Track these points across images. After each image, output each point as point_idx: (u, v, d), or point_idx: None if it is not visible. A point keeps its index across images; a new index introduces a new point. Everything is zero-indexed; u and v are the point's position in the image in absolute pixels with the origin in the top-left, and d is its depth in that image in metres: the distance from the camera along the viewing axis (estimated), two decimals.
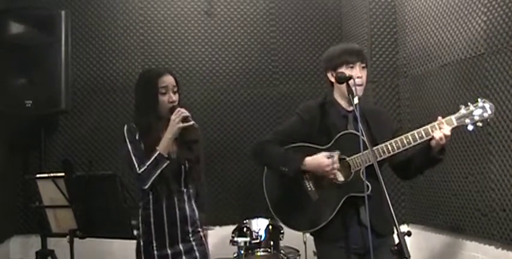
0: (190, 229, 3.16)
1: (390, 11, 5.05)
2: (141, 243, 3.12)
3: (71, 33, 4.84)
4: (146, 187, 3.01)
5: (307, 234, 3.90)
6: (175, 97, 3.13)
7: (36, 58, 4.60)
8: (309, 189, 3.13)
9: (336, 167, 3.00)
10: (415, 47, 4.72)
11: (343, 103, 3.16)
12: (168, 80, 3.13)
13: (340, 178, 3.07)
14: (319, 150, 3.08)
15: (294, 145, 3.17)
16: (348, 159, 3.05)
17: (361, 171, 2.98)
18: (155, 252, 3.09)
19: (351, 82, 2.96)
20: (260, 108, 5.47)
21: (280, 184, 3.23)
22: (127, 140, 3.08)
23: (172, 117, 3.04)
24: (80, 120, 5.18)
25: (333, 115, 3.16)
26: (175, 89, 3.15)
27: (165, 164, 3.01)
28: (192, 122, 3.05)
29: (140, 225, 3.13)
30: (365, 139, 2.85)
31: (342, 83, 3.00)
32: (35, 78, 4.60)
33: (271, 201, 3.27)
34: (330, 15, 5.64)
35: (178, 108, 3.07)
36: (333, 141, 3.07)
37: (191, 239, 3.16)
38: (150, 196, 3.11)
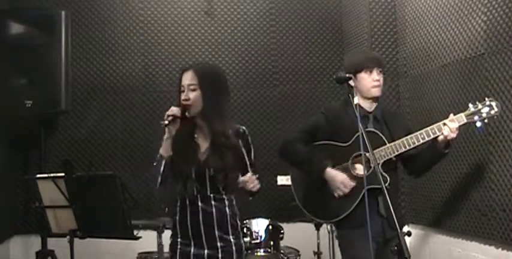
0: (217, 234, 3.03)
1: (390, 11, 5.04)
2: (171, 242, 3.09)
3: (71, 33, 4.85)
4: (157, 187, 2.99)
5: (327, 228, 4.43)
6: (189, 95, 2.97)
7: (36, 58, 4.60)
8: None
9: (347, 190, 3.35)
10: (415, 47, 4.72)
11: (363, 104, 3.43)
12: (186, 77, 3.01)
13: (361, 172, 3.35)
14: (341, 147, 3.43)
15: (318, 143, 3.49)
16: (366, 154, 3.25)
17: (379, 164, 3.28)
18: (178, 250, 3.04)
19: (352, 82, 3.24)
20: (260, 108, 5.47)
21: (306, 179, 3.51)
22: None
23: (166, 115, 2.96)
24: (80, 120, 5.19)
25: (353, 115, 3.27)
26: (192, 87, 2.98)
27: (163, 164, 2.96)
28: (165, 122, 2.92)
29: (173, 228, 3.11)
30: (366, 139, 2.96)
31: (342, 83, 3.14)
32: (35, 78, 4.61)
33: (298, 195, 3.56)
34: (330, 15, 5.63)
35: (172, 107, 2.97)
36: (353, 138, 3.36)
37: (218, 245, 3.03)
38: (178, 200, 3.07)
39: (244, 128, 3.13)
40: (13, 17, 4.68)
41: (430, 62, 4.48)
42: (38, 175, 3.30)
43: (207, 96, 2.99)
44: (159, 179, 2.98)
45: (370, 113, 3.45)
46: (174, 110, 2.93)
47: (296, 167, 3.57)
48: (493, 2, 3.71)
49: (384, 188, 2.80)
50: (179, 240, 3.05)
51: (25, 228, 5.04)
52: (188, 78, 3.01)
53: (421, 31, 4.62)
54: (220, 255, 3.03)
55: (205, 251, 3.01)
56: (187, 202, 3.03)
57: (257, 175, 3.01)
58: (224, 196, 3.09)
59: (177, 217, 3.06)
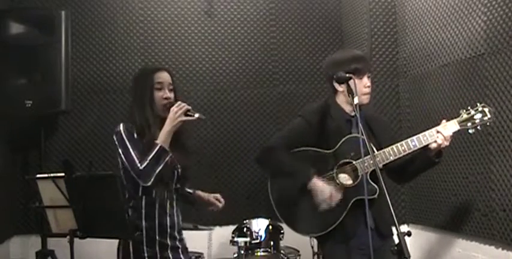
0: (178, 237, 3.12)
1: (390, 11, 5.04)
2: (130, 244, 3.06)
3: (71, 33, 4.85)
4: (149, 183, 2.92)
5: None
6: (170, 94, 3.07)
7: (36, 58, 4.60)
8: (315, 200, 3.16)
9: (333, 204, 3.08)
10: (415, 47, 4.72)
11: (346, 108, 3.23)
12: (164, 76, 3.08)
13: (348, 181, 3.15)
14: (325, 154, 3.17)
15: (299, 149, 3.23)
16: (354, 162, 3.12)
17: (367, 174, 3.05)
18: (145, 256, 3.02)
19: (350, 82, 3.01)
20: (260, 108, 5.46)
21: (287, 189, 3.25)
22: (125, 138, 3.02)
23: (174, 109, 2.94)
24: (80, 120, 5.18)
25: (337, 119, 3.22)
26: (171, 87, 3.09)
27: (168, 158, 2.93)
28: (197, 115, 2.96)
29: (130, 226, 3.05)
30: (366, 141, 2.89)
31: (342, 83, 3.05)
32: (35, 78, 4.60)
33: (278, 207, 3.31)
34: (330, 15, 5.63)
35: (179, 102, 2.99)
36: (338, 144, 3.15)
37: (179, 246, 3.12)
38: (143, 198, 3.05)
39: None
40: (13, 17, 4.67)
41: (430, 62, 4.48)
42: (38, 175, 3.29)
43: (177, 97, 3.13)
44: (155, 174, 2.92)
45: (352, 117, 3.20)
46: (186, 105, 2.98)
47: (277, 176, 3.31)
48: (493, 2, 3.72)
49: (377, 197, 2.74)
50: (145, 247, 3.02)
51: (25, 228, 5.04)
52: (167, 78, 3.09)
53: (421, 31, 4.62)
54: (182, 257, 3.11)
55: (169, 254, 3.06)
56: (157, 204, 3.04)
57: None
58: (190, 191, 3.27)
59: (143, 223, 3.04)
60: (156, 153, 2.92)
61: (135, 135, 3.03)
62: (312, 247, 4.32)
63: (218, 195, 3.36)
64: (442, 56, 4.32)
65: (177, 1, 5.41)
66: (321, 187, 3.09)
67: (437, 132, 3.03)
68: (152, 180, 2.93)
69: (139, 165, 2.94)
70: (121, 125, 3.05)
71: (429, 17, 4.50)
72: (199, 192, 3.37)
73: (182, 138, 3.11)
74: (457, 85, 4.11)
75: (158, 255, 3.03)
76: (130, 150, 3.00)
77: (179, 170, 3.10)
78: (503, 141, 3.64)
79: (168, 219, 3.07)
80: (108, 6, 5.29)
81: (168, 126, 2.95)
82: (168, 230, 3.07)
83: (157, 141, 2.94)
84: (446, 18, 4.27)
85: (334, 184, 3.14)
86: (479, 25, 3.85)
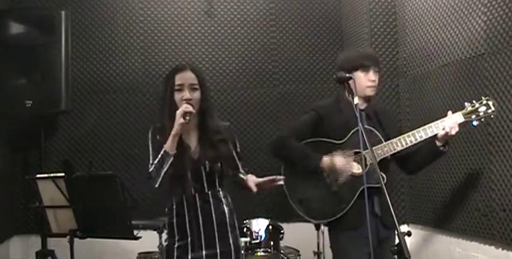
0: (217, 235, 3.04)
1: (390, 11, 5.04)
2: (167, 245, 3.07)
3: (71, 33, 4.85)
4: (157, 185, 2.93)
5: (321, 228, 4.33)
6: (191, 94, 2.98)
7: (36, 58, 4.60)
8: (328, 181, 3.35)
9: (349, 166, 3.29)
10: (415, 47, 4.72)
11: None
12: (185, 76, 3.01)
13: (357, 170, 3.30)
14: (335, 145, 3.35)
15: (310, 140, 3.43)
16: (364, 152, 3.22)
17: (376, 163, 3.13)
18: (175, 254, 3.01)
19: (351, 82, 3.10)
20: (260, 108, 5.46)
21: (299, 176, 3.42)
22: (149, 141, 3.05)
23: (177, 112, 2.92)
24: (80, 120, 5.19)
25: (346, 113, 3.34)
26: (195, 86, 3.01)
27: (170, 161, 2.90)
28: (187, 119, 2.89)
29: (166, 227, 3.10)
30: (365, 136, 2.94)
31: (342, 83, 3.13)
32: (35, 78, 4.61)
33: (290, 193, 3.46)
34: (330, 15, 5.63)
35: (185, 104, 2.94)
36: (347, 136, 3.32)
37: (217, 246, 3.03)
38: (173, 198, 3.07)
39: (228, 123, 3.24)
40: (13, 17, 4.67)
41: (430, 62, 4.48)
42: (38, 175, 3.30)
43: (206, 95, 3.07)
44: (161, 177, 2.93)
45: (362, 110, 3.36)
46: (190, 107, 2.93)
47: (290, 163, 3.47)
48: (493, 2, 3.71)
49: (384, 186, 2.78)
50: (176, 244, 3.02)
51: (25, 228, 5.04)
52: (188, 78, 3.02)
53: (421, 31, 4.62)
54: (219, 257, 3.02)
55: (203, 252, 3.00)
56: (185, 203, 3.03)
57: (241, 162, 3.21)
58: (220, 193, 3.12)
59: (174, 220, 3.05)
60: (161, 156, 2.92)
61: (158, 136, 3.03)
62: (318, 243, 4.41)
63: (274, 177, 3.15)
64: (442, 56, 4.32)
65: (177, 1, 5.41)
66: (334, 159, 3.29)
67: (442, 123, 3.19)
68: (159, 182, 2.94)
69: (149, 168, 2.98)
70: (152, 127, 3.10)
71: (429, 17, 4.50)
72: (252, 178, 3.19)
73: (208, 133, 3.07)
74: (457, 85, 4.11)
75: (189, 254, 3.01)
76: (150, 153, 3.03)
77: (207, 166, 3.04)
78: (503, 141, 3.64)
79: (200, 216, 3.02)
80: (108, 6, 5.29)
81: (172, 130, 2.93)
82: (201, 227, 3.02)
83: (165, 145, 2.94)
84: (446, 18, 4.26)
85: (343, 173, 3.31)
86: (479, 25, 3.85)
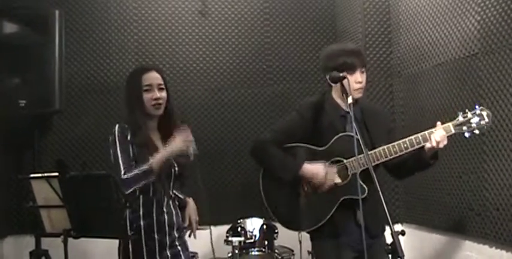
0: (176, 235, 3.13)
1: (384, 11, 5.05)
2: (130, 245, 3.05)
3: (65, 32, 4.82)
4: (127, 192, 2.95)
5: (303, 233, 4.01)
6: (160, 94, 3.06)
7: (30, 58, 4.58)
8: (306, 190, 3.18)
9: (331, 180, 3.08)
10: (409, 47, 4.73)
11: (341, 103, 3.19)
12: (152, 76, 3.07)
13: (338, 180, 3.12)
14: (317, 151, 3.14)
15: (291, 145, 3.21)
16: (345, 161, 3.10)
17: (357, 174, 2.98)
18: (145, 255, 3.03)
19: (344, 82, 2.97)
20: (254, 107, 5.46)
21: (278, 184, 3.24)
22: (116, 141, 3.06)
23: (181, 138, 2.94)
24: (74, 120, 5.17)
25: (331, 115, 3.19)
26: (162, 86, 3.08)
27: (151, 179, 2.95)
28: (191, 152, 2.98)
29: (129, 227, 3.06)
30: (361, 142, 2.87)
31: (336, 83, 3.03)
32: (28, 78, 4.58)
33: (268, 201, 3.30)
34: (324, 15, 5.64)
35: (187, 129, 2.97)
36: (330, 142, 3.12)
37: (177, 244, 3.13)
38: (141, 197, 3.07)
39: (186, 124, 3.19)
40: (6, 16, 4.64)
41: (424, 61, 4.49)
42: (32, 175, 3.28)
43: (169, 95, 3.14)
44: (137, 188, 2.97)
45: (348, 112, 3.06)
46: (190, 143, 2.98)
47: (268, 170, 3.27)
48: (487, 2, 3.73)
49: (365, 198, 2.73)
50: (144, 246, 3.03)
51: (19, 228, 5.01)
52: (155, 78, 3.08)
53: (415, 31, 4.63)
54: (182, 254, 3.13)
55: (168, 252, 3.07)
56: (154, 204, 3.07)
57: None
58: (180, 196, 3.25)
59: (143, 222, 3.05)
60: (143, 171, 2.93)
61: (129, 136, 3.05)
62: (300, 242, 4.35)
63: (196, 226, 3.33)
64: (435, 55, 4.33)
65: (171, 1, 5.40)
66: (314, 167, 3.09)
67: (430, 135, 2.96)
68: (131, 191, 2.96)
69: (122, 172, 2.97)
70: (116, 127, 3.09)
71: (423, 16, 4.51)
72: (190, 202, 3.33)
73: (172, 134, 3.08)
74: (450, 84, 4.12)
75: (157, 254, 3.04)
76: (119, 154, 3.05)
77: (176, 169, 3.11)
78: (496, 140, 3.65)
79: (166, 217, 3.09)
80: (102, 5, 5.28)
81: (167, 152, 2.95)
82: (167, 228, 3.08)
83: (152, 160, 2.94)
84: (440, 18, 4.28)
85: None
86: (473, 25, 3.86)
